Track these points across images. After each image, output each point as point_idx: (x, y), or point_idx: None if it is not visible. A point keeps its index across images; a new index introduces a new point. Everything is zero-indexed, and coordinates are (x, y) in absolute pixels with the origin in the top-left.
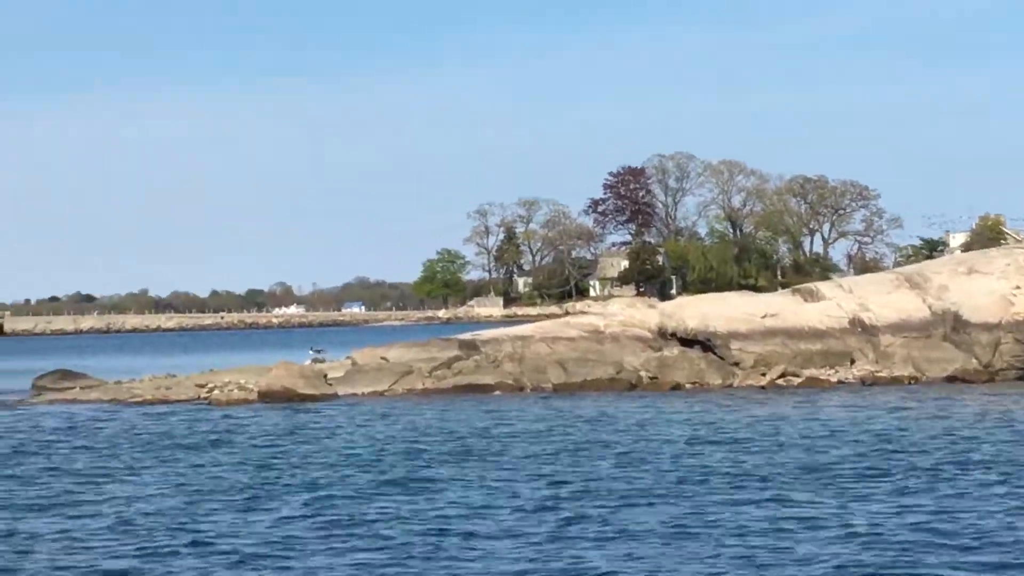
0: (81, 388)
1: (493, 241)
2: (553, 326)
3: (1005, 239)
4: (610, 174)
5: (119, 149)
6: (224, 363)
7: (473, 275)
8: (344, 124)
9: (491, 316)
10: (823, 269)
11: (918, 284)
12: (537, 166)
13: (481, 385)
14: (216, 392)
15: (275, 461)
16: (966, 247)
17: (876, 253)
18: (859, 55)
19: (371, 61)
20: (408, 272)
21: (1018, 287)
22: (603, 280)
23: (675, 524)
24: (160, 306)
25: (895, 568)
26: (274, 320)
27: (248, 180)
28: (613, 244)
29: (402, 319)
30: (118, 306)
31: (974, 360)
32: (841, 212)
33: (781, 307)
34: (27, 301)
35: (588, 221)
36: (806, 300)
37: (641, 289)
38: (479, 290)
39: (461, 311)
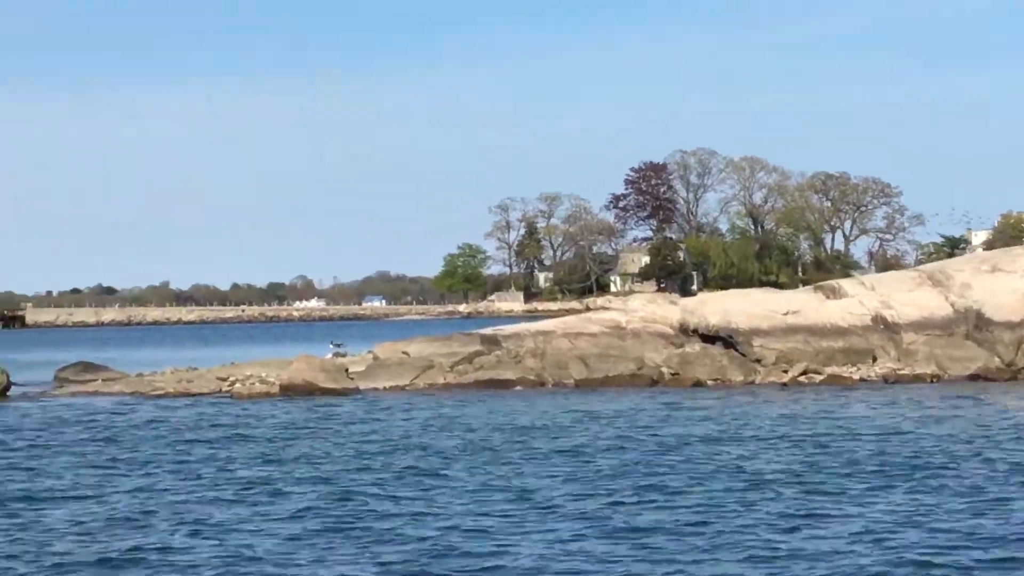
0: (103, 380)
1: (514, 236)
2: (575, 322)
3: None
4: (632, 170)
5: (141, 143)
6: (245, 356)
7: (494, 270)
8: (367, 118)
9: (512, 311)
10: (844, 266)
11: (940, 282)
12: (559, 162)
13: (502, 380)
14: (237, 385)
15: (294, 454)
16: (988, 245)
17: (897, 250)
18: (882, 53)
19: (396, 57)
20: (429, 266)
21: None
22: (624, 276)
23: (696, 521)
24: (181, 299)
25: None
26: (295, 313)
27: (270, 174)
28: (634, 240)
29: (423, 313)
30: (139, 299)
31: (996, 358)
32: (863, 209)
33: (803, 304)
34: (49, 293)
35: (609, 217)
36: (828, 297)
37: (662, 285)
38: (500, 285)
39: (482, 306)
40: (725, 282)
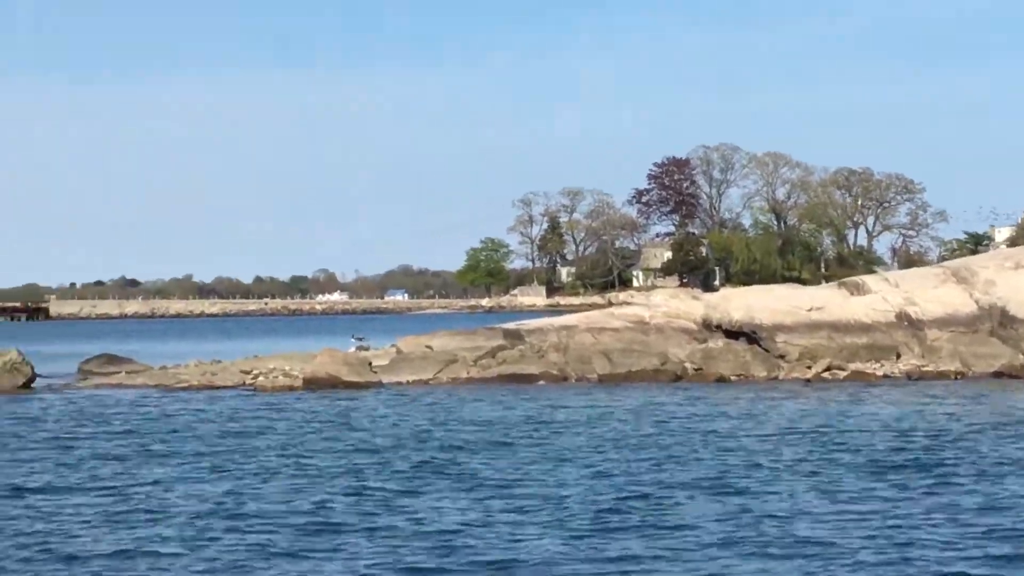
0: (127, 373)
1: (537, 230)
2: (598, 316)
3: None
4: (655, 165)
5: (165, 136)
6: (268, 349)
7: (516, 264)
8: (390, 112)
9: (534, 305)
10: (867, 262)
11: (965, 279)
12: (582, 156)
13: (525, 375)
14: (261, 378)
15: (317, 447)
16: (1012, 242)
17: (920, 247)
18: (907, 50)
19: (419, 50)
20: (451, 260)
21: None
22: (646, 271)
23: (724, 517)
24: (204, 291)
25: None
26: (317, 307)
27: (293, 167)
28: (657, 235)
29: (445, 307)
30: (162, 291)
31: (1021, 355)
32: (886, 205)
33: (827, 300)
34: (72, 285)
35: (632, 211)
36: (852, 293)
37: (684, 280)
38: (522, 279)
39: (504, 300)
40: (747, 278)
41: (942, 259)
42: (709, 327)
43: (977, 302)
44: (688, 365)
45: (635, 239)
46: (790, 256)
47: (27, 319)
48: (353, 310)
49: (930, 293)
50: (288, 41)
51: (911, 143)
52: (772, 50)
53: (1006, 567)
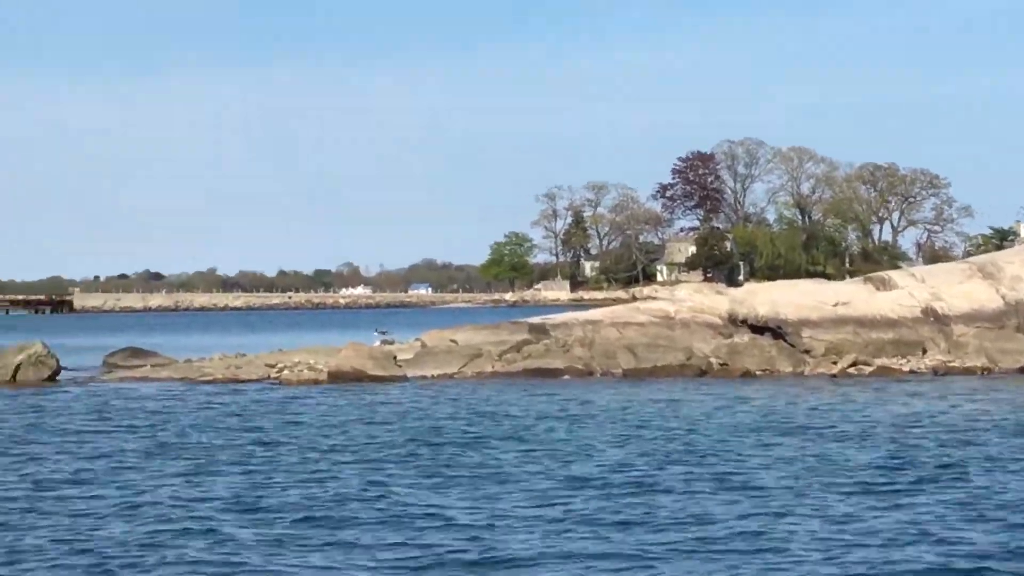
0: (152, 366)
1: (561, 225)
2: (623, 311)
3: None
4: (679, 159)
5: (188, 129)
6: (292, 343)
7: (540, 258)
8: (414, 105)
9: (558, 300)
10: (892, 257)
11: (991, 274)
12: (606, 151)
13: (550, 369)
14: (286, 372)
15: (342, 440)
16: None
17: (946, 242)
18: (932, 45)
19: (442, 42)
20: (475, 254)
21: None
22: (670, 265)
23: (744, 513)
24: (227, 285)
25: None
26: (341, 300)
27: (316, 161)
28: (681, 229)
29: (469, 301)
30: (186, 284)
31: None
32: (911, 200)
33: (853, 295)
34: (96, 278)
35: (656, 206)
36: (878, 289)
37: (708, 275)
38: (546, 273)
39: (528, 294)
40: (772, 272)
41: (967, 254)
42: (734, 322)
43: (1003, 298)
44: (713, 360)
45: (659, 234)
46: (815, 251)
47: (51, 312)
48: (376, 304)
49: (956, 289)
50: (311, 31)
51: (937, 138)
52: (797, 45)
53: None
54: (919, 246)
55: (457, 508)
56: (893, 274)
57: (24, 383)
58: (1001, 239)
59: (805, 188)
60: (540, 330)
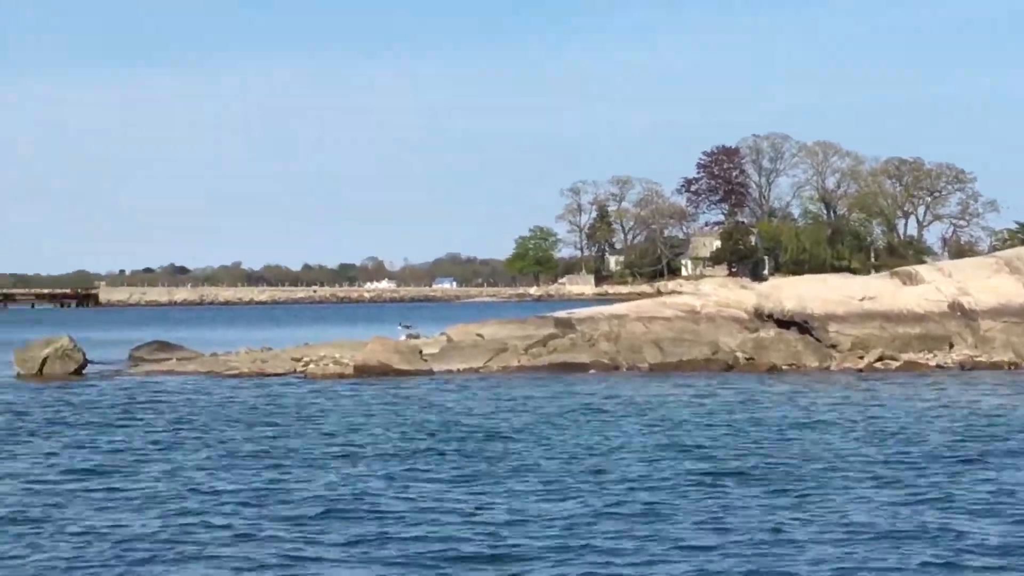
0: (178, 360)
1: (585, 219)
2: (649, 305)
3: None
4: (704, 154)
5: (212, 123)
6: (317, 337)
7: (564, 252)
8: (439, 100)
9: (582, 294)
10: (917, 252)
11: (1018, 268)
12: (631, 145)
13: (576, 363)
14: (312, 366)
15: (367, 434)
16: None
17: (971, 236)
18: (959, 41)
19: (469, 37)
20: (499, 249)
21: None
22: (695, 260)
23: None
24: (252, 279)
25: None
26: (366, 294)
27: (341, 155)
28: (706, 224)
29: (493, 295)
30: (211, 278)
31: None
32: (936, 195)
33: (879, 290)
34: (121, 272)
35: (681, 200)
36: (905, 283)
37: (733, 269)
38: (570, 268)
39: (552, 288)
40: (797, 267)
41: (993, 249)
42: (760, 316)
43: None
44: (739, 354)
45: (684, 228)
46: (840, 245)
47: (77, 306)
48: (401, 298)
49: (983, 283)
50: (332, 24)
51: (962, 132)
52: (823, 39)
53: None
54: (944, 241)
55: (481, 502)
56: (920, 269)
57: (51, 376)
58: None
59: (830, 182)
60: (566, 324)
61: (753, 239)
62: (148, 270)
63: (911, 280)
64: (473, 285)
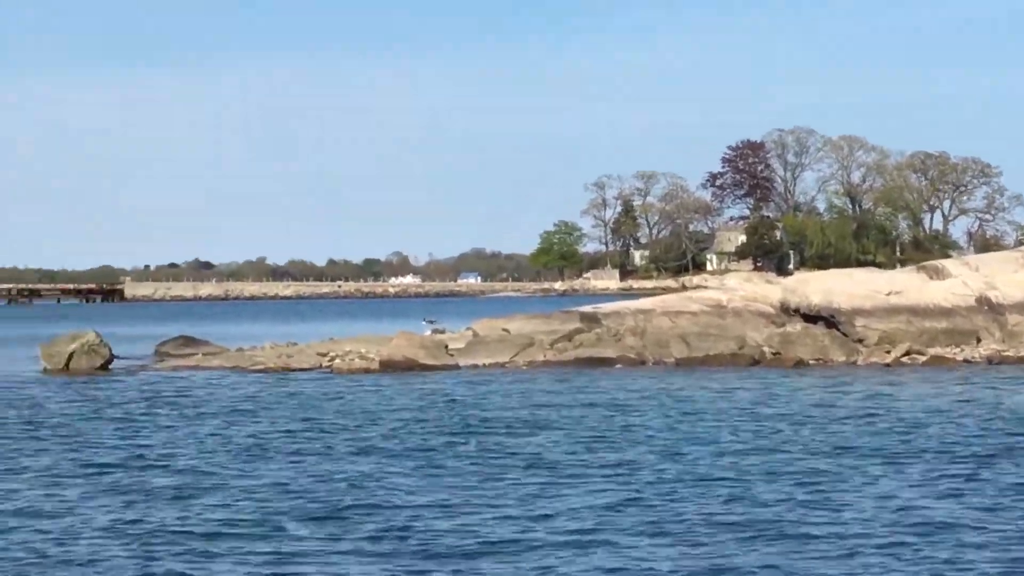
0: (203, 355)
1: (610, 214)
2: (675, 300)
3: None
4: (729, 148)
5: (236, 117)
6: (342, 331)
7: (589, 247)
8: (463, 95)
9: (607, 289)
10: (943, 246)
11: None
12: (656, 139)
13: (602, 358)
14: (337, 361)
15: (393, 428)
16: None
17: (997, 231)
18: (982, 34)
19: (493, 33)
20: (524, 244)
21: None
22: (720, 254)
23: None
24: (277, 274)
25: None
26: (390, 290)
27: (366, 150)
28: (731, 218)
29: (518, 290)
30: (236, 273)
31: None
32: (962, 189)
33: (906, 284)
34: (146, 267)
35: (706, 195)
36: (932, 278)
37: (758, 264)
38: (595, 262)
39: (577, 283)
40: (822, 261)
41: (1019, 243)
42: (787, 311)
43: None
44: (766, 349)
45: (709, 222)
46: (865, 240)
47: (102, 301)
48: (426, 293)
49: (1010, 277)
50: (357, 20)
51: (988, 127)
52: (848, 34)
53: None
54: (970, 235)
55: (508, 497)
56: (947, 263)
57: (77, 371)
58: None
59: (856, 177)
60: (592, 319)
61: (778, 234)
62: (173, 265)
63: (938, 274)
64: (497, 280)
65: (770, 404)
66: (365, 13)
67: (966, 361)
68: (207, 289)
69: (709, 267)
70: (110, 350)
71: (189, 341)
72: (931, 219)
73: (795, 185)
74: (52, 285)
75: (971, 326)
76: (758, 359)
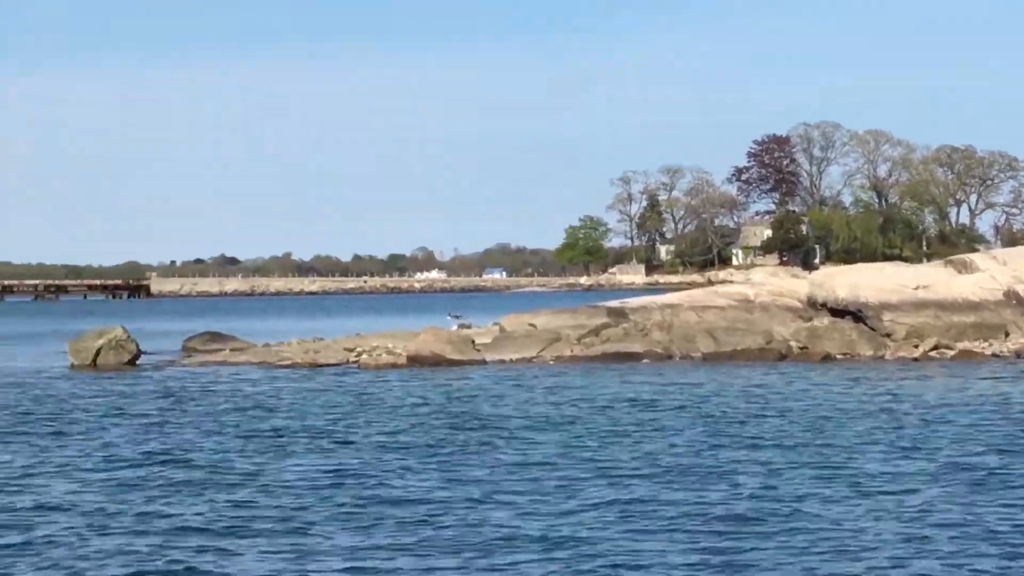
0: (230, 350)
1: (636, 208)
2: (702, 295)
3: None
4: (755, 142)
5: (264, 114)
6: (367, 327)
7: (615, 242)
8: (488, 91)
9: (633, 283)
10: (970, 240)
11: None
12: (681, 134)
13: (630, 353)
14: (364, 356)
15: (426, 422)
16: None
17: None
18: (1009, 26)
19: (519, 28)
20: (549, 239)
21: None
22: (746, 249)
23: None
24: (303, 269)
25: None
26: (416, 285)
27: (391, 145)
28: (756, 213)
29: (543, 285)
30: (261, 269)
31: None
32: (988, 183)
33: (934, 278)
34: (172, 263)
35: (732, 189)
36: (959, 272)
37: (784, 258)
38: (621, 257)
39: (603, 278)
40: (848, 256)
41: None
42: (814, 305)
43: None
44: (793, 343)
45: (735, 217)
46: (891, 234)
47: (128, 296)
48: (451, 288)
49: None
50: (388, 14)
51: (1015, 120)
52: (874, 27)
53: None
54: (997, 229)
55: (535, 492)
56: (974, 257)
57: (105, 367)
58: None
59: (882, 171)
60: (619, 314)
61: (804, 228)
62: (199, 261)
63: (966, 268)
64: (523, 275)
65: (801, 398)
66: (396, 6)
67: (994, 355)
68: (233, 285)
69: (735, 262)
70: (137, 346)
71: (216, 337)
72: (957, 213)
73: (821, 179)
74: (78, 281)
75: (999, 320)
76: (785, 354)
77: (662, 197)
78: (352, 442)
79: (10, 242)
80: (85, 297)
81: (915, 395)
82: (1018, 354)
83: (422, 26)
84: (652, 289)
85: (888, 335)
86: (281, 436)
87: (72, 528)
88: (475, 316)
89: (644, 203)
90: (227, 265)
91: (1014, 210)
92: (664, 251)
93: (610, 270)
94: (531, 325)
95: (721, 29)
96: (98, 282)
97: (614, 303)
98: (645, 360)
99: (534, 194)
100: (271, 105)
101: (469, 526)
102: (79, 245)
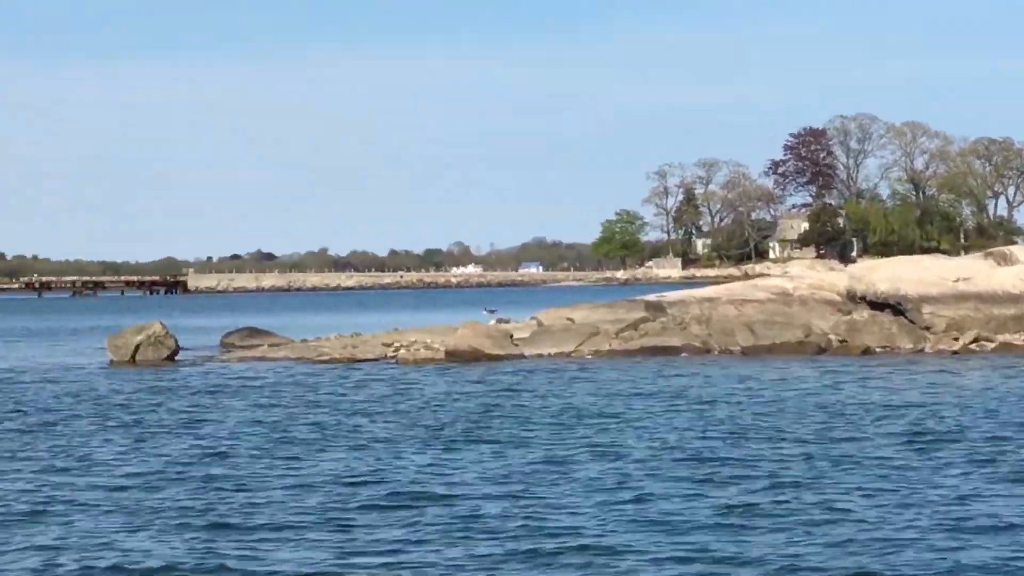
0: (269, 346)
1: (672, 202)
2: (740, 288)
3: None
4: (791, 135)
5: (301, 110)
6: (405, 322)
7: (651, 236)
8: (525, 85)
9: (669, 277)
10: (1008, 232)
11: None
12: (717, 127)
13: (668, 347)
14: (403, 351)
15: (466, 417)
16: None
17: None
18: None
19: (552, 21)
20: (584, 233)
21: None
22: (782, 242)
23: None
24: (339, 265)
25: None
26: (452, 279)
27: (427, 140)
28: (793, 206)
29: (580, 280)
30: (298, 265)
31: None
32: None
33: (974, 271)
34: (209, 259)
35: (768, 182)
36: (999, 264)
37: (821, 252)
38: (657, 251)
39: (639, 272)
40: (885, 248)
41: None
42: (853, 298)
43: None
44: (832, 337)
45: (771, 210)
46: (928, 227)
47: (165, 293)
48: (488, 283)
49: None
50: (428, 12)
51: None
52: (911, 19)
53: None
54: None
55: (578, 487)
56: (1014, 249)
57: (144, 363)
58: None
59: (919, 163)
60: (657, 308)
61: (841, 221)
62: (235, 257)
63: (1006, 260)
64: (559, 269)
65: (838, 390)
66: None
67: None
68: (270, 280)
69: (771, 255)
70: (176, 341)
71: (254, 332)
72: (995, 205)
73: (857, 172)
74: (116, 277)
75: None
76: (824, 347)
77: (698, 191)
78: (391, 437)
79: (48, 239)
80: (122, 293)
81: (956, 387)
82: None
83: (458, 18)
84: (688, 283)
85: (928, 328)
86: (321, 431)
87: (111, 523)
88: (511, 310)
89: (680, 197)
90: (263, 261)
91: None
92: (700, 245)
93: (646, 264)
94: (569, 319)
95: (757, 20)
96: (135, 278)
97: (652, 297)
98: (684, 354)
99: (570, 188)
100: (310, 101)
101: (509, 519)
102: (116, 242)
